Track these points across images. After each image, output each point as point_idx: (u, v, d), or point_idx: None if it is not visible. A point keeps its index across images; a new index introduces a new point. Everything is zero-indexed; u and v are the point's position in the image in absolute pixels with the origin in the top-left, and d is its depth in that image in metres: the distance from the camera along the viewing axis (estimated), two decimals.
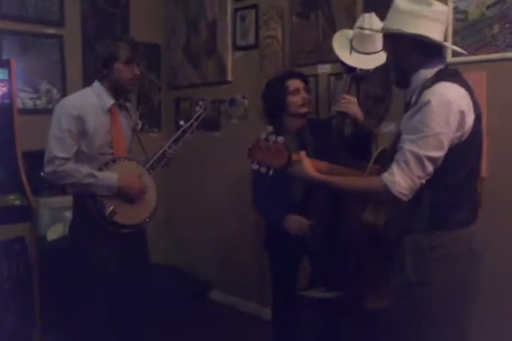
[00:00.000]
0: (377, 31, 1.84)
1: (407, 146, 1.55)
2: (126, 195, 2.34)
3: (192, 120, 2.58)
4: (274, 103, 2.52)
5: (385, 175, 1.56)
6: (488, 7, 2.31)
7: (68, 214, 3.14)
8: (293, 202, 2.45)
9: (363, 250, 2.02)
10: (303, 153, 1.78)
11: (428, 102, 1.53)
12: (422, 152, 1.52)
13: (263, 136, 1.76)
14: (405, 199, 1.55)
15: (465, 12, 2.37)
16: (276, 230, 2.50)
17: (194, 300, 3.64)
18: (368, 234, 1.95)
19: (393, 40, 1.69)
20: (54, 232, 3.21)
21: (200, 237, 3.93)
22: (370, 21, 2.25)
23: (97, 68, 2.36)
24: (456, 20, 2.39)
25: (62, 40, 3.63)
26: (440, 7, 1.64)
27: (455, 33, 2.39)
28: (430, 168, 1.54)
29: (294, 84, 2.49)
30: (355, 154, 2.24)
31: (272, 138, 1.75)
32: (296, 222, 2.38)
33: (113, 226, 2.33)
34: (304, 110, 2.49)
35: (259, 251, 3.38)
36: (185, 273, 3.87)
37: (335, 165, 1.92)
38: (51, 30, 3.59)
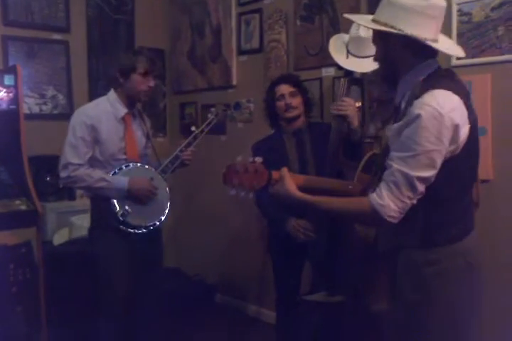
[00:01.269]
0: (365, 26, 1.68)
1: (396, 165, 1.42)
2: (136, 197, 2.43)
3: (203, 126, 2.69)
4: (267, 108, 2.63)
5: (374, 198, 1.44)
6: (492, 9, 2.31)
7: (74, 219, 3.16)
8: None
9: (363, 254, 2.01)
10: (285, 170, 1.66)
11: (418, 116, 1.39)
12: (413, 172, 1.39)
13: (238, 158, 1.65)
14: (395, 221, 1.44)
15: (469, 14, 2.37)
16: (278, 233, 2.52)
17: (200, 304, 3.64)
18: (363, 241, 1.92)
19: (382, 36, 1.56)
20: (60, 237, 3.23)
21: (205, 241, 3.93)
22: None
23: (115, 77, 2.47)
24: (460, 22, 2.39)
25: (68, 45, 3.66)
26: (437, 1, 1.49)
27: (459, 35, 2.39)
28: (421, 188, 1.42)
29: (280, 89, 2.55)
30: (350, 158, 2.26)
31: (249, 159, 1.65)
32: (298, 226, 2.39)
33: (126, 227, 2.42)
34: (288, 115, 2.54)
35: (262, 255, 3.38)
36: (190, 277, 3.88)
37: (312, 177, 1.86)
38: (57, 36, 3.62)
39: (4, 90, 2.92)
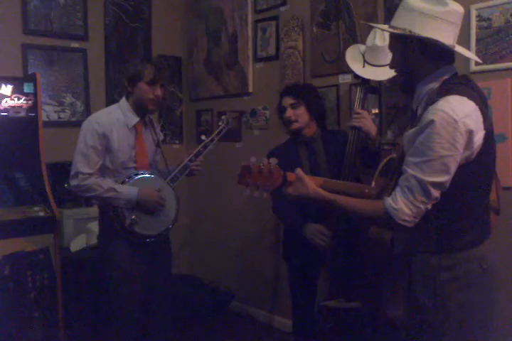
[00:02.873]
0: (383, 30, 1.68)
1: (411, 170, 1.43)
2: (145, 207, 2.43)
3: (213, 135, 2.64)
4: (280, 117, 2.60)
5: (389, 202, 1.46)
6: None
7: (91, 226, 3.18)
8: (313, 208, 2.43)
9: (381, 260, 1.99)
10: (300, 171, 1.67)
11: (432, 122, 1.39)
12: (427, 178, 1.41)
13: (252, 159, 1.67)
14: (410, 225, 1.45)
15: (489, 20, 2.35)
16: (294, 240, 2.51)
17: (215, 311, 3.63)
18: (380, 245, 1.91)
19: (400, 41, 1.56)
20: (77, 243, 3.24)
21: (220, 248, 3.92)
22: (382, 33, 2.29)
23: (124, 86, 2.49)
24: (479, 28, 2.37)
25: (86, 53, 3.70)
26: (456, 8, 1.49)
27: (478, 40, 2.37)
28: (436, 193, 1.43)
29: (283, 101, 2.55)
30: (369, 166, 2.25)
31: (264, 161, 1.67)
32: (316, 231, 2.37)
33: (133, 236, 2.43)
34: (291, 127, 2.52)
35: (278, 262, 3.37)
36: (206, 284, 3.87)
37: (328, 179, 1.86)
38: (75, 44, 3.66)
39: (24, 98, 2.96)
